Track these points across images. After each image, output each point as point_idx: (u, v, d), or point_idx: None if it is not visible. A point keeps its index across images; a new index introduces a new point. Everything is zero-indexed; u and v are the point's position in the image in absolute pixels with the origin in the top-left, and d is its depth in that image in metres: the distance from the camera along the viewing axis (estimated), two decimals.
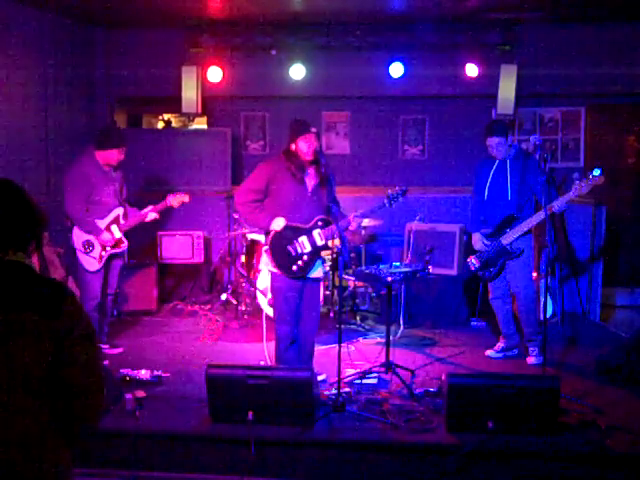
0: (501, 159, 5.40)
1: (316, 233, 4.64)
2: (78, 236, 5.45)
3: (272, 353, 4.95)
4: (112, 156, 5.42)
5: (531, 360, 5.39)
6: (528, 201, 5.38)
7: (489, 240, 5.43)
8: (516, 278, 5.40)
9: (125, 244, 5.61)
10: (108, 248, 5.49)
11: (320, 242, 4.64)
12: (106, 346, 5.71)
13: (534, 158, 5.53)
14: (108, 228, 5.50)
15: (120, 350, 5.75)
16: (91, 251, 5.44)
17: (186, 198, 5.73)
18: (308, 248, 4.63)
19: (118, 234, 5.54)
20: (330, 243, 4.65)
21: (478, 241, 5.50)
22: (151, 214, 5.65)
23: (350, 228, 4.75)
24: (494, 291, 5.56)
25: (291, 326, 4.71)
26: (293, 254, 4.62)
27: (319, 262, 4.75)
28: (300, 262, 4.62)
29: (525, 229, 5.26)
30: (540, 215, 5.13)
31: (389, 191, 4.72)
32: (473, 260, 5.53)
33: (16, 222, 2.06)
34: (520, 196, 5.32)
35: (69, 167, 5.53)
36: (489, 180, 5.47)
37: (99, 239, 5.43)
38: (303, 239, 4.62)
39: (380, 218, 7.01)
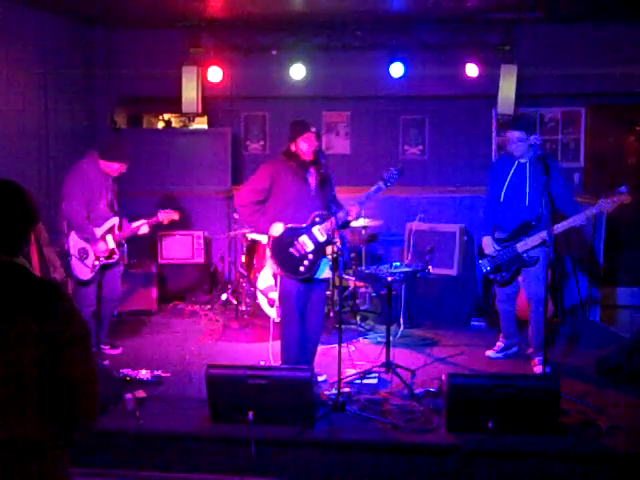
0: (519, 158, 5.14)
1: (316, 229, 4.62)
2: (75, 242, 5.40)
3: (276, 353, 4.95)
4: (113, 168, 5.40)
5: (538, 369, 5.17)
6: (546, 208, 5.11)
7: (501, 245, 5.23)
8: (530, 286, 5.19)
9: (117, 255, 5.53)
10: (102, 258, 5.43)
11: (322, 238, 4.62)
12: (106, 347, 5.71)
13: (555, 162, 5.34)
14: (103, 238, 5.43)
15: (120, 351, 5.74)
16: (85, 259, 5.40)
17: (175, 216, 5.76)
18: (310, 247, 4.61)
19: (112, 244, 5.47)
20: (335, 235, 4.61)
21: (489, 245, 5.29)
22: (143, 227, 5.63)
23: (350, 218, 4.70)
24: (501, 294, 5.48)
25: (299, 328, 4.71)
26: (297, 255, 4.60)
27: (325, 261, 4.71)
28: (306, 262, 4.61)
29: (543, 239, 4.99)
30: (563, 226, 4.93)
31: (384, 173, 4.66)
32: (485, 263, 5.35)
33: (13, 225, 2.05)
34: (539, 202, 5.03)
35: (71, 171, 5.43)
36: (507, 182, 5.22)
37: (94, 248, 5.38)
38: (304, 238, 4.61)
39: (380, 218, 7.02)
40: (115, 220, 5.53)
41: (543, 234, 4.95)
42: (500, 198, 5.28)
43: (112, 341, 5.82)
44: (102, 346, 5.69)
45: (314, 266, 4.63)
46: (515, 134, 5.10)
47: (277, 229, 4.59)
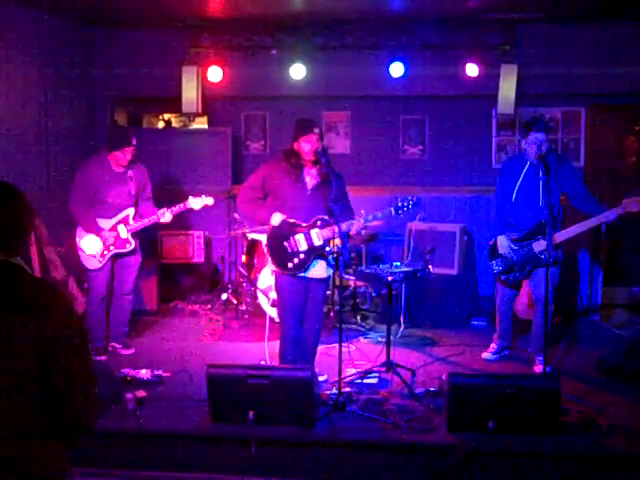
0: (537, 159, 5.08)
1: (314, 232, 4.62)
2: (80, 235, 5.49)
3: (272, 352, 4.96)
4: (116, 157, 5.43)
5: (539, 369, 5.17)
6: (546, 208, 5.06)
7: (517, 245, 5.22)
8: (539, 287, 5.13)
9: (132, 245, 5.56)
10: (112, 247, 5.49)
11: (317, 242, 4.61)
12: (119, 346, 5.73)
13: (568, 161, 5.36)
14: (114, 228, 5.49)
15: (132, 351, 5.76)
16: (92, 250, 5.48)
17: (210, 201, 5.62)
18: (304, 246, 4.62)
19: (124, 234, 5.51)
20: (331, 244, 4.63)
21: (506, 246, 5.25)
22: (166, 215, 5.53)
23: (351, 233, 4.66)
24: (505, 295, 5.47)
25: (296, 326, 4.71)
26: (289, 251, 4.62)
27: (317, 262, 4.69)
28: (296, 260, 4.61)
29: (563, 238, 5.01)
30: (592, 223, 4.96)
31: (399, 199, 4.65)
32: (497, 263, 5.32)
33: (9, 225, 2.05)
34: (553, 201, 4.99)
35: (79, 167, 5.58)
36: (519, 182, 5.20)
37: (101, 239, 5.45)
38: (299, 237, 4.62)
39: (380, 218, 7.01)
40: (129, 211, 5.55)
41: (563, 233, 5.00)
42: (512, 198, 5.27)
43: (126, 341, 5.83)
44: (115, 344, 5.72)
45: (302, 265, 4.63)
46: (541, 135, 5.07)
47: (276, 218, 4.61)
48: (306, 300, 4.74)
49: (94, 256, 5.47)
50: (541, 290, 5.13)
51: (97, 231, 5.44)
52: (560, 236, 5.03)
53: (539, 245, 5.11)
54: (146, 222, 5.56)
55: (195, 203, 5.57)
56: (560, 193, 5.19)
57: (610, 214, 4.94)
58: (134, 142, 5.43)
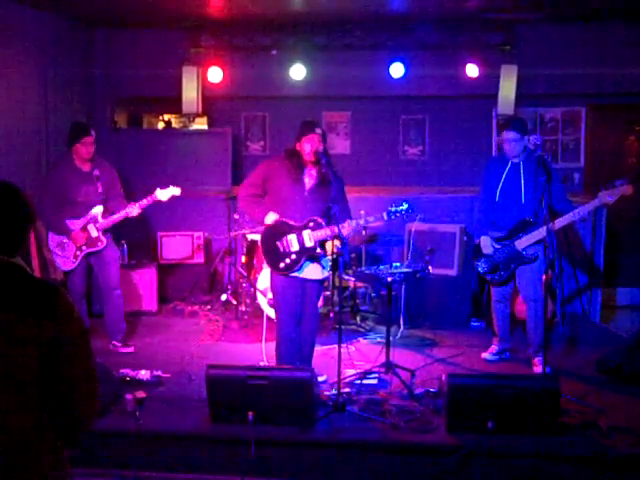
0: (514, 158, 5.22)
1: (306, 234, 4.62)
2: (52, 237, 5.57)
3: (271, 353, 4.96)
4: (78, 152, 5.49)
5: (538, 369, 5.18)
6: (547, 207, 5.07)
7: (500, 244, 5.27)
8: (527, 284, 5.22)
9: (103, 243, 5.59)
10: (83, 248, 5.55)
11: (309, 243, 4.61)
12: (119, 344, 5.75)
13: (548, 162, 5.42)
14: (84, 228, 5.54)
15: (132, 349, 5.78)
16: (64, 251, 5.55)
17: (177, 191, 5.64)
18: (295, 247, 4.63)
19: (95, 233, 5.56)
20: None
21: (488, 245, 5.31)
22: (134, 210, 5.55)
23: (342, 234, 4.52)
24: (497, 294, 5.48)
25: (292, 326, 4.72)
26: (281, 250, 4.64)
27: (311, 263, 4.70)
28: (288, 260, 4.63)
29: (542, 236, 5.02)
30: (565, 220, 5.00)
31: (393, 204, 4.66)
32: (481, 263, 5.38)
33: (10, 226, 2.05)
34: (534, 200, 5.11)
35: (47, 170, 5.67)
36: (501, 182, 5.27)
37: (71, 239, 5.52)
38: (292, 237, 4.63)
39: (380, 219, 7.00)
40: (98, 209, 5.57)
41: (542, 231, 5.00)
42: (495, 198, 5.33)
43: (125, 339, 5.86)
44: (115, 343, 5.75)
45: (294, 266, 4.64)
46: (510, 134, 5.18)
47: (271, 217, 4.65)
48: (302, 300, 4.75)
49: (67, 257, 5.54)
50: (528, 289, 5.22)
51: (68, 232, 5.51)
52: (559, 222, 5.05)
53: (521, 243, 5.18)
54: (115, 218, 5.59)
55: (162, 194, 5.59)
56: (547, 192, 5.21)
57: (589, 205, 5.00)
58: (92, 133, 5.51)
